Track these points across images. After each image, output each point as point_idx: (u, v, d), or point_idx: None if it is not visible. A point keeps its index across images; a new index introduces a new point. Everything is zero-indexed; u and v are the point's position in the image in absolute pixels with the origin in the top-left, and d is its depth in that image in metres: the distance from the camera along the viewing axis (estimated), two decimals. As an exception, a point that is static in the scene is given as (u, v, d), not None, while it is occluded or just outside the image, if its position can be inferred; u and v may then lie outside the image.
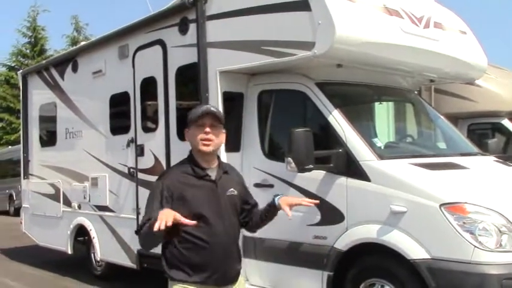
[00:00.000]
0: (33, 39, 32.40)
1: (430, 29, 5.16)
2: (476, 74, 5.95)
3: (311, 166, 4.36)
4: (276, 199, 3.15)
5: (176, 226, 2.65)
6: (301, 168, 4.36)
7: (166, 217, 2.52)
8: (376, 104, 5.56)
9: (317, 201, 3.26)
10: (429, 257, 3.89)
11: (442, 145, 5.42)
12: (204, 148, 2.87)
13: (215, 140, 2.91)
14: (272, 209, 3.16)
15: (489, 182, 4.41)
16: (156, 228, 2.48)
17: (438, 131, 5.64)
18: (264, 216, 3.20)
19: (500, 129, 8.04)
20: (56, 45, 41.34)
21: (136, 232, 2.89)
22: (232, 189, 3.02)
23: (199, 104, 2.92)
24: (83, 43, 8.05)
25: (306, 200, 3.20)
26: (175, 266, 2.83)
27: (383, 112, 5.56)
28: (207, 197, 2.87)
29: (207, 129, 2.87)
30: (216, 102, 5.22)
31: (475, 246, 3.73)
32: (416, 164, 4.33)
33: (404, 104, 5.73)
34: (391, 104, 5.68)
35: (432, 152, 5.11)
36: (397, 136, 5.49)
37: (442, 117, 5.76)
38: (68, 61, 7.92)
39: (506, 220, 3.81)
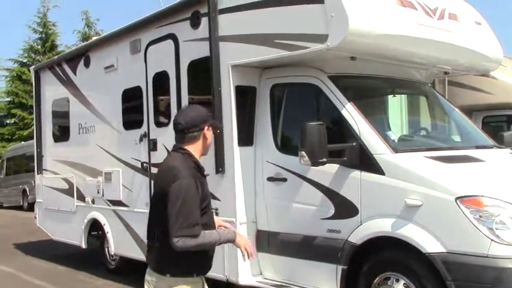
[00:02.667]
0: (44, 35, 32.56)
1: (444, 20, 5.10)
2: (492, 66, 5.88)
3: (324, 159, 4.35)
4: None
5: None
6: (315, 162, 4.35)
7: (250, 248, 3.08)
8: (390, 96, 5.51)
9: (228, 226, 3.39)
10: (445, 251, 3.86)
11: (456, 138, 5.37)
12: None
13: None
14: None
15: (505, 175, 4.35)
16: (250, 258, 3.07)
17: (453, 123, 5.58)
18: None
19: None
20: (67, 41, 41.54)
21: (185, 236, 2.76)
22: None
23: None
24: (94, 38, 8.07)
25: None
26: (186, 261, 2.88)
27: (397, 105, 5.51)
28: (208, 190, 3.07)
29: None
30: (228, 96, 5.23)
31: (492, 240, 3.70)
32: (431, 157, 4.29)
33: (418, 96, 5.68)
34: (405, 96, 5.62)
35: (447, 145, 5.06)
36: (411, 129, 5.43)
37: (456, 109, 5.70)
38: (80, 56, 7.94)
39: (524, 213, 3.76)
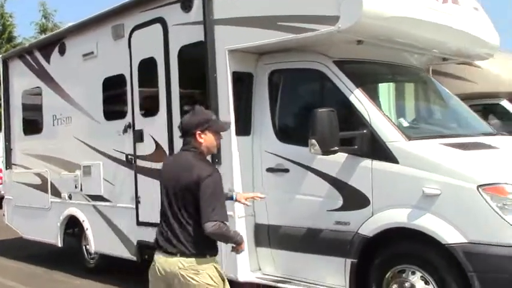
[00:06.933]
0: (1, 26, 31.37)
1: (448, 4, 4.96)
2: (489, 52, 5.78)
3: (336, 148, 4.14)
4: (234, 196, 3.89)
5: None
6: (326, 150, 4.13)
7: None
8: (394, 83, 5.32)
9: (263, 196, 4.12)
10: (466, 241, 3.71)
11: (461, 125, 5.23)
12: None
13: None
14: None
15: (521, 162, 4.24)
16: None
17: (454, 110, 5.45)
18: None
19: (495, 110, 7.93)
20: (25, 33, 40.18)
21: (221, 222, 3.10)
22: None
23: (218, 117, 3.76)
24: (70, 24, 7.60)
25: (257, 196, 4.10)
26: (210, 246, 3.21)
27: (401, 91, 5.33)
28: None
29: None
30: (225, 83, 4.96)
31: (517, 229, 3.56)
32: (447, 144, 4.13)
33: (419, 83, 5.51)
34: (407, 83, 5.44)
35: (455, 132, 4.91)
36: (417, 116, 5.27)
37: (455, 97, 5.58)
38: (54, 43, 7.46)
39: (545, 200, 3.64)
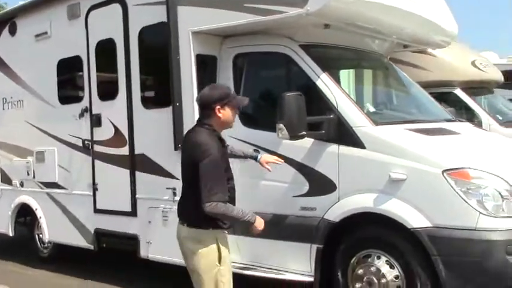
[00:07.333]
0: None
1: (410, -10, 4.98)
2: (448, 40, 5.87)
3: (304, 133, 4.10)
4: (259, 156, 4.03)
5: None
6: (294, 135, 4.08)
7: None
8: (359, 68, 5.33)
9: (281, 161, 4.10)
10: (431, 225, 3.76)
11: (424, 111, 5.29)
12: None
13: None
14: (248, 159, 4.07)
15: (483, 147, 4.35)
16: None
17: (417, 97, 5.50)
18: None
19: (448, 98, 8.12)
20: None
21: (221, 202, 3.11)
22: None
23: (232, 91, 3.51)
24: (22, 2, 7.24)
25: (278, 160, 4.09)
26: (213, 219, 3.19)
27: (366, 77, 5.35)
28: (228, 160, 3.43)
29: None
30: (188, 66, 4.83)
31: (480, 213, 3.64)
32: (412, 130, 4.17)
33: (382, 69, 5.54)
34: (371, 69, 5.46)
35: (420, 118, 4.95)
36: (383, 102, 5.28)
37: (416, 84, 5.65)
38: (3, 23, 7.10)
39: (508, 185, 3.73)
